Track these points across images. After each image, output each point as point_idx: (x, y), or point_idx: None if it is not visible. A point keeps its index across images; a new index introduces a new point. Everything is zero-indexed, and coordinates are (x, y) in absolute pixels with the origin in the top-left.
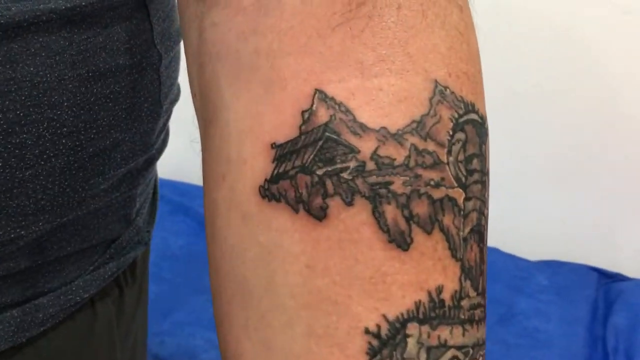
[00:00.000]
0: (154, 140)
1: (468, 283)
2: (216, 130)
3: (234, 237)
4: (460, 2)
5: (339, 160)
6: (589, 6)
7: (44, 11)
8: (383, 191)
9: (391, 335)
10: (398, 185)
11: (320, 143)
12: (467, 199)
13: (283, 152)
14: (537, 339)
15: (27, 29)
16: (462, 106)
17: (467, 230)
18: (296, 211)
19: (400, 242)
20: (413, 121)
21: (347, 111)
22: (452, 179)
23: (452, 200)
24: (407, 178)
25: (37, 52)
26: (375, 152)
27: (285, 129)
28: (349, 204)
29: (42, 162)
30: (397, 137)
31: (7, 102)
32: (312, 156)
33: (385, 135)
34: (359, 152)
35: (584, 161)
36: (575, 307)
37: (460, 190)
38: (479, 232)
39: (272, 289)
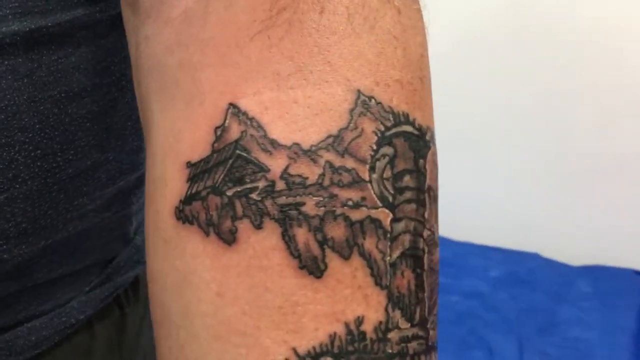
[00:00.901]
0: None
1: (397, 313)
2: (148, 149)
3: (157, 263)
4: (397, 4)
5: (248, 180)
6: None
7: (6, 34)
8: (293, 213)
9: None
10: (310, 206)
11: (230, 162)
12: (395, 220)
13: (196, 172)
14: (579, 350)
15: None
16: (391, 118)
17: (395, 254)
18: (207, 234)
19: (313, 268)
20: (329, 136)
21: (259, 127)
22: (376, 198)
23: (375, 221)
24: (321, 198)
25: (3, 75)
26: (285, 170)
27: (200, 147)
28: (258, 227)
29: (17, 186)
30: (310, 154)
31: None
32: (222, 176)
33: (297, 152)
34: (268, 170)
35: (628, 163)
36: (619, 315)
37: (387, 211)
38: (414, 256)
39: (188, 319)
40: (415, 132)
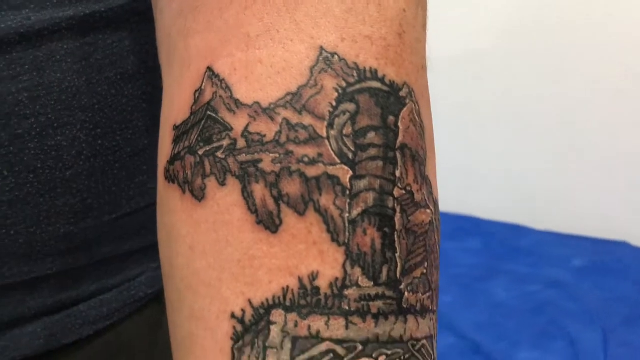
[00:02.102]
0: None
1: (357, 271)
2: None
3: (158, 222)
4: None
5: (215, 139)
6: None
7: (63, 18)
8: (252, 170)
9: (254, 322)
10: (267, 163)
11: (202, 122)
12: (356, 177)
13: (179, 134)
14: None
15: (50, 37)
16: (355, 74)
17: (356, 212)
18: (183, 192)
19: (269, 223)
20: (288, 94)
21: (227, 88)
22: (334, 155)
23: (332, 178)
24: (277, 155)
25: (63, 58)
26: (246, 129)
27: (183, 110)
28: (222, 184)
29: (81, 163)
30: (269, 112)
31: (37, 107)
32: (196, 136)
33: (257, 110)
34: (232, 129)
35: None
36: None
37: (346, 168)
38: (381, 214)
39: (172, 272)
40: (385, 88)
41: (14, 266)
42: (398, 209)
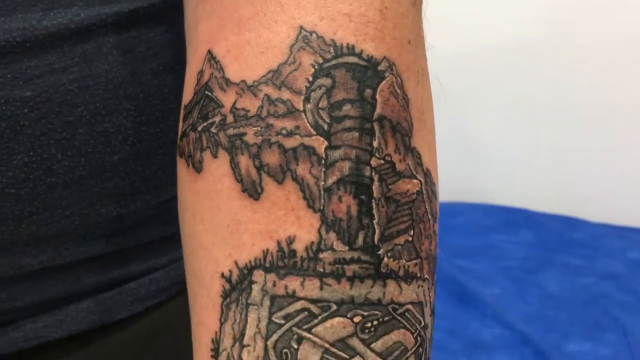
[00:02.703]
0: None
1: (332, 235)
2: None
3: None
4: None
5: (210, 116)
6: None
7: (109, 14)
8: (238, 142)
9: (239, 281)
10: (250, 135)
11: (201, 101)
12: (331, 147)
13: (185, 113)
14: None
15: (97, 31)
16: (332, 50)
17: (331, 180)
18: (187, 165)
19: (252, 191)
20: (269, 71)
21: (220, 68)
22: (310, 127)
23: (308, 148)
24: (259, 128)
25: (109, 51)
26: (233, 105)
27: (190, 91)
28: (215, 156)
29: (128, 148)
30: (253, 89)
31: (86, 96)
32: (197, 114)
33: (243, 88)
34: (223, 106)
35: None
36: None
37: (321, 139)
38: (357, 183)
39: (183, 238)
40: (362, 62)
41: (71, 246)
42: (376, 178)
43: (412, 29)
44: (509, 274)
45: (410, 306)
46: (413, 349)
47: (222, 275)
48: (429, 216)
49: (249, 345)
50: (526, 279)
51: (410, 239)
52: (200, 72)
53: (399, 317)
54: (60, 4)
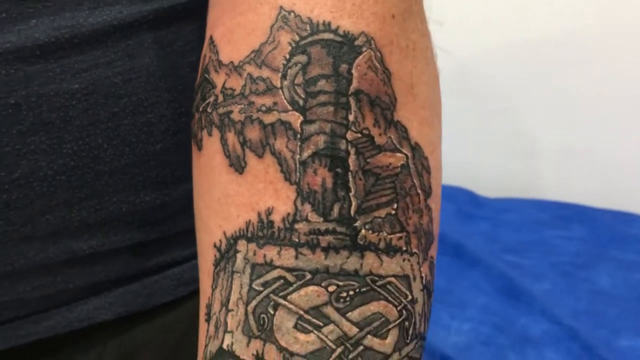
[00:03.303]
0: None
1: (307, 207)
2: None
3: None
4: None
5: (207, 97)
6: None
7: (150, 11)
8: (226, 120)
9: (227, 250)
10: (236, 113)
11: (202, 84)
12: (306, 122)
13: (194, 96)
14: None
15: (139, 27)
16: (308, 27)
17: (306, 154)
18: (194, 145)
19: (237, 166)
20: (252, 51)
21: (216, 52)
22: (286, 102)
23: (285, 124)
24: (243, 106)
25: (150, 46)
26: (223, 85)
27: (198, 75)
28: (209, 134)
29: (169, 137)
30: (238, 69)
31: (130, 88)
32: (199, 96)
33: (231, 68)
34: (215, 87)
35: None
36: None
37: (297, 114)
38: (332, 156)
39: (194, 215)
40: (338, 38)
41: (118, 232)
42: (352, 151)
43: (398, 3)
44: (560, 270)
45: (393, 279)
46: (396, 322)
47: (214, 245)
48: (418, 190)
49: (232, 310)
50: (577, 275)
51: (393, 212)
52: (204, 56)
53: (378, 289)
54: (104, 2)
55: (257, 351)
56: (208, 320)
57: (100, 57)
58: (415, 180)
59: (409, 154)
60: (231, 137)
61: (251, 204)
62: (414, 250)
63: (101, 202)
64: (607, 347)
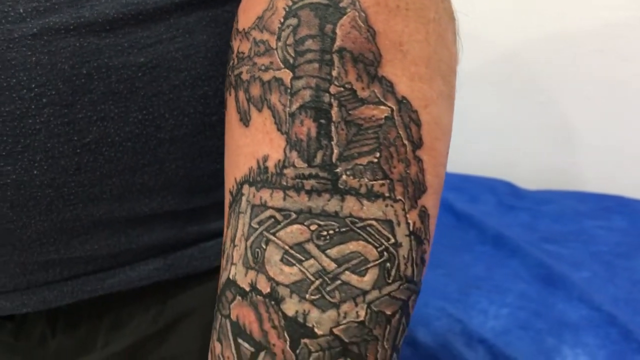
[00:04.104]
0: None
1: (294, 154)
2: None
3: None
4: None
5: (229, 61)
6: None
7: None
8: (238, 80)
9: (236, 194)
10: (244, 73)
11: (227, 51)
12: (295, 77)
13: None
14: None
15: (198, 6)
16: None
17: (295, 106)
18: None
19: (245, 120)
20: (257, 18)
21: (236, 21)
22: (280, 61)
23: (278, 80)
24: (249, 67)
25: (208, 23)
26: (238, 49)
27: None
28: (229, 94)
29: (223, 110)
30: (247, 34)
31: (189, 63)
32: (228, 62)
33: (242, 34)
34: (233, 52)
35: None
36: None
37: (288, 71)
38: (317, 108)
39: None
40: (324, 1)
41: (177, 196)
42: (335, 104)
43: None
44: (600, 259)
45: (373, 222)
46: (376, 262)
47: (229, 191)
48: (404, 141)
49: (237, 245)
50: (618, 264)
51: (375, 160)
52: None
53: (358, 230)
54: None
55: (251, 280)
56: (223, 256)
57: (163, 34)
58: (400, 132)
59: (394, 107)
60: (241, 95)
61: (253, 153)
62: (399, 197)
63: (161, 168)
64: None
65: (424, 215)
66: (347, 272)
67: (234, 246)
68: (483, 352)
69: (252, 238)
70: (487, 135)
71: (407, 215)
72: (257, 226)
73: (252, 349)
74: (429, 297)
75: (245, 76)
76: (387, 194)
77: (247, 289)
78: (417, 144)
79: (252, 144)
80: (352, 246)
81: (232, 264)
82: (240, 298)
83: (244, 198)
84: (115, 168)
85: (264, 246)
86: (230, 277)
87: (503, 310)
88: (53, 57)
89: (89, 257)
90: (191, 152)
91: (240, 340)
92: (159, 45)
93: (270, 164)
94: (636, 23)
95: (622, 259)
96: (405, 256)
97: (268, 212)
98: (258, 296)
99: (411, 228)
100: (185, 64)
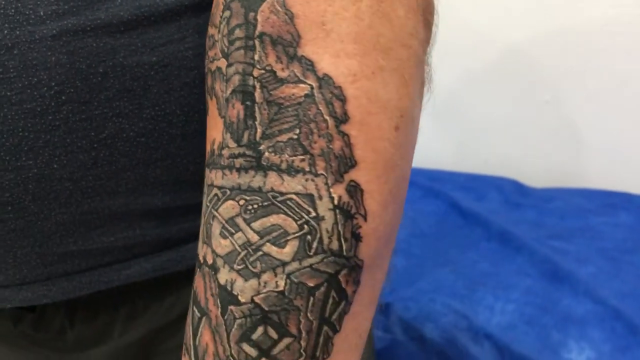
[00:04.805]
0: None
1: (228, 135)
2: None
3: None
4: None
5: None
6: None
7: None
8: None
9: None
10: (207, 65)
11: None
12: (229, 65)
13: None
14: None
15: (207, 7)
16: None
17: (228, 91)
18: None
19: (206, 109)
20: (211, 14)
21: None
22: (220, 52)
23: (219, 69)
24: (207, 60)
25: None
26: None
27: None
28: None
29: None
30: (207, 34)
31: (199, 61)
32: None
33: (209, 35)
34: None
35: None
36: None
37: (224, 60)
38: (244, 91)
39: None
40: None
41: (188, 190)
42: (258, 86)
43: None
44: (605, 255)
45: (294, 196)
46: (296, 234)
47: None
48: (325, 117)
49: (202, 225)
50: (623, 259)
51: (294, 137)
52: None
53: (278, 204)
54: None
55: (204, 253)
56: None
57: (174, 34)
58: (321, 108)
59: (315, 84)
60: (209, 83)
61: (209, 138)
62: (320, 172)
63: (173, 163)
64: None
65: (353, 189)
66: (268, 243)
67: (202, 225)
68: (489, 347)
69: (206, 215)
70: (493, 135)
71: (331, 190)
72: (208, 204)
73: (199, 315)
74: (435, 293)
75: (206, 68)
76: (307, 169)
77: (201, 261)
78: (342, 119)
79: (208, 129)
80: (273, 219)
81: (200, 241)
82: (198, 270)
83: (205, 181)
84: (130, 162)
85: (211, 222)
86: (199, 253)
87: (509, 306)
88: (71, 57)
89: (106, 248)
90: (201, 148)
91: (194, 307)
92: (170, 45)
93: (215, 146)
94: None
95: (628, 255)
96: (329, 229)
97: (214, 191)
98: (205, 267)
99: (335, 202)
100: (195, 62)
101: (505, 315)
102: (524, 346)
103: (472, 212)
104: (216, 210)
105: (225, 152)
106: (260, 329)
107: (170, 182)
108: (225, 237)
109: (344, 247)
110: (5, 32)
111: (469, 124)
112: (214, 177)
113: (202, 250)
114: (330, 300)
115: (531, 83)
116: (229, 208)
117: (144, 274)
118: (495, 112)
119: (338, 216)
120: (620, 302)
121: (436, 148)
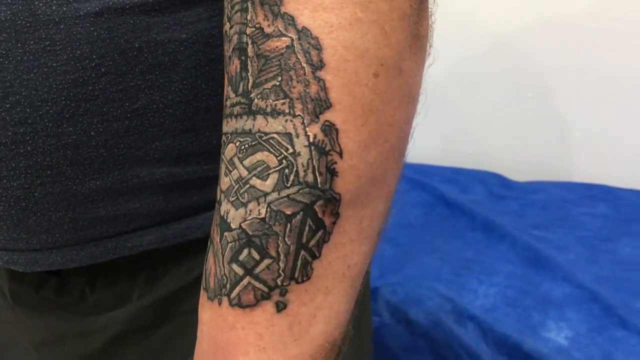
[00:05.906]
0: None
1: (229, 88)
2: None
3: None
4: None
5: None
6: None
7: None
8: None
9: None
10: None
11: None
12: (230, 27)
13: None
14: None
15: None
16: None
17: (230, 49)
18: None
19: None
20: None
21: None
22: (225, 18)
23: (225, 32)
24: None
25: None
26: None
27: None
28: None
29: None
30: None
31: (219, 42)
32: None
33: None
34: None
35: None
36: None
37: (228, 24)
38: (240, 48)
39: None
40: None
41: (210, 162)
42: (249, 42)
43: None
44: (584, 242)
45: (275, 135)
46: (276, 168)
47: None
48: (303, 64)
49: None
50: (601, 247)
51: (277, 83)
52: None
53: (263, 142)
54: None
55: (219, 199)
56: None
57: (203, 13)
58: (299, 57)
59: (294, 37)
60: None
61: (225, 94)
62: (298, 113)
63: (197, 135)
64: (627, 308)
65: (328, 129)
66: (254, 177)
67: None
68: (473, 327)
69: (221, 163)
70: (478, 130)
71: (307, 129)
72: (223, 152)
73: (209, 244)
74: (422, 279)
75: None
76: (287, 111)
77: (218, 197)
78: (317, 65)
79: (225, 87)
80: (259, 156)
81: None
82: (217, 205)
83: (224, 128)
84: (159, 132)
85: (220, 164)
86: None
87: (492, 289)
88: (111, 32)
89: (132, 215)
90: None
91: (212, 233)
92: (198, 24)
93: (225, 99)
94: (626, 16)
95: (605, 242)
96: (304, 164)
97: (222, 138)
98: (216, 204)
99: (311, 139)
100: (220, 40)
101: (489, 298)
102: (506, 326)
103: (457, 203)
104: (223, 154)
105: (228, 102)
106: (245, 251)
107: (194, 154)
108: (226, 175)
109: (319, 180)
110: (54, 7)
111: (455, 119)
112: (224, 126)
113: (218, 188)
114: (307, 228)
115: (515, 79)
116: (229, 150)
117: (165, 241)
118: (481, 108)
119: (313, 152)
120: (598, 286)
121: (423, 142)
